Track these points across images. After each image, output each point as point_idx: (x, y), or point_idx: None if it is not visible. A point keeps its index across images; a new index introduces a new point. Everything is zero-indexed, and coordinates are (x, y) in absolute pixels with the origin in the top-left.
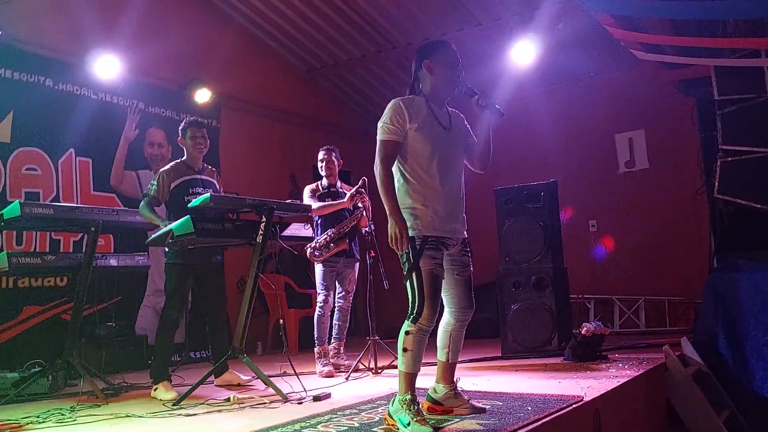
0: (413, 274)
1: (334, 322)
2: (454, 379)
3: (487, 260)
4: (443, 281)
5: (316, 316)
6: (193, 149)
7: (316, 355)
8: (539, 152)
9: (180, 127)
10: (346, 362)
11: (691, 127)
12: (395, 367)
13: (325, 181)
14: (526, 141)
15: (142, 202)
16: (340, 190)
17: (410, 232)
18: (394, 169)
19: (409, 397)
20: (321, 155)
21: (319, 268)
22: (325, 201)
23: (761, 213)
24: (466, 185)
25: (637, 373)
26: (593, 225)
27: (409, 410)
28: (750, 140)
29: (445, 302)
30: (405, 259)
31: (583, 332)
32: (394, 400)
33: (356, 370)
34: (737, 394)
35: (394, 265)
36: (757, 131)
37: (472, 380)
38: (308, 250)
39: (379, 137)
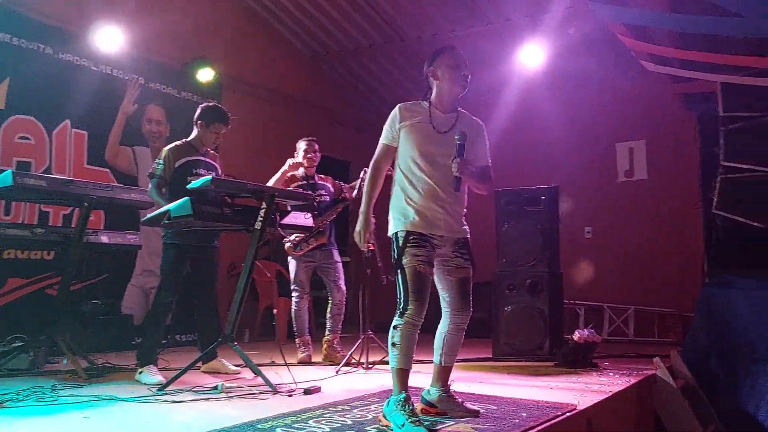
0: (398, 270)
1: (328, 314)
2: (449, 383)
3: (484, 260)
4: (440, 282)
5: (293, 312)
6: (210, 141)
7: (297, 345)
8: (542, 155)
9: (210, 110)
10: (341, 354)
11: (692, 141)
12: (387, 363)
13: (302, 171)
14: (530, 143)
15: (150, 185)
16: (318, 182)
17: (394, 229)
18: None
19: (403, 396)
20: (303, 146)
21: (293, 265)
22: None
23: (758, 231)
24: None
25: (628, 383)
26: (588, 232)
27: (404, 410)
28: (752, 158)
29: (442, 305)
30: (393, 257)
31: (575, 339)
32: (388, 400)
33: (348, 363)
34: (724, 410)
35: (389, 261)
36: (759, 150)
37: (464, 382)
38: (287, 245)
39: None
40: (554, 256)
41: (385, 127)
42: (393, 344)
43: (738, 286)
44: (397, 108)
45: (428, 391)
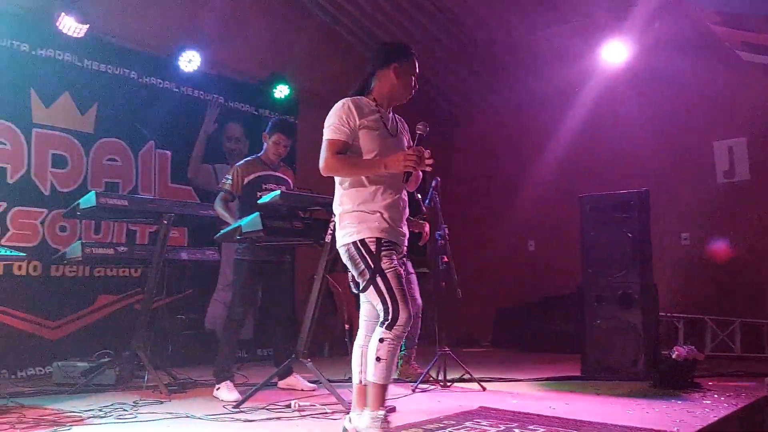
0: (377, 277)
1: None
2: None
3: (567, 270)
4: None
5: None
6: (272, 153)
7: None
8: (628, 157)
9: (271, 121)
10: (418, 371)
11: None
12: (465, 380)
13: None
14: (614, 144)
15: (217, 198)
16: None
17: (361, 236)
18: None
19: (383, 414)
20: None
21: None
22: None
23: None
24: (547, 189)
25: (735, 407)
26: (685, 238)
27: (382, 429)
28: None
29: (364, 317)
30: (364, 266)
31: (674, 356)
32: (363, 414)
33: (425, 381)
34: None
35: (464, 273)
36: None
37: (549, 403)
38: None
39: (326, 137)
40: (647, 265)
41: (338, 125)
42: (378, 359)
43: None
44: (348, 103)
45: (349, 418)
